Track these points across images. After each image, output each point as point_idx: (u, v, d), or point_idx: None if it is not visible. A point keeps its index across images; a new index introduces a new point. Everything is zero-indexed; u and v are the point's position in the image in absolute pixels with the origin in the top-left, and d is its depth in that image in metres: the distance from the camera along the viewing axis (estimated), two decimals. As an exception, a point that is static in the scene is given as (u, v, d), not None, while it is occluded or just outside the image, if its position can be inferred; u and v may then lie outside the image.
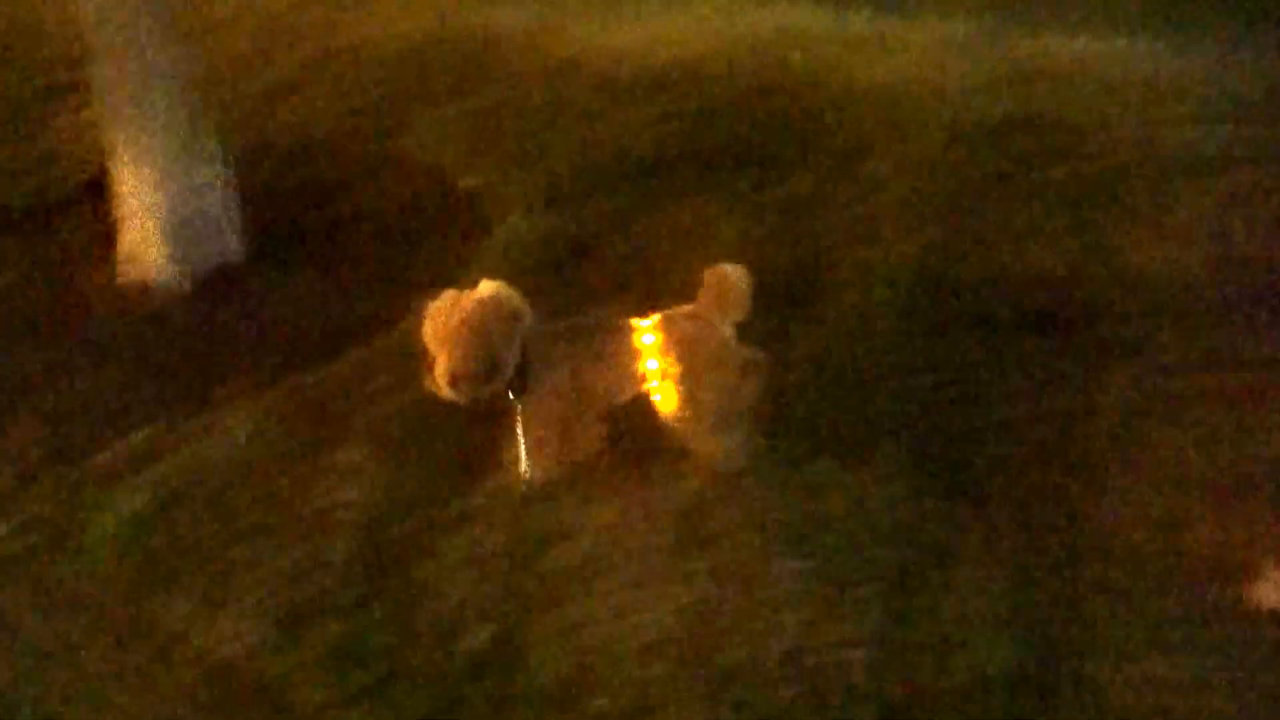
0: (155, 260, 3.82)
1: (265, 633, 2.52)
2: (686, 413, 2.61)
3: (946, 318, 3.53)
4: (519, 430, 2.61)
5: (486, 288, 2.53)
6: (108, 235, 3.95)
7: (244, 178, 4.07)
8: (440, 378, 2.49)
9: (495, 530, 2.76)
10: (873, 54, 5.61)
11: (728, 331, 2.62)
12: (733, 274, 2.61)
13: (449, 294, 2.55)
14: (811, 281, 3.71)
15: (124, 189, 3.81)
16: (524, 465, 2.65)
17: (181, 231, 3.82)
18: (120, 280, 3.89)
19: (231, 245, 3.97)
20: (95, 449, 3.10)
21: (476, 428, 2.94)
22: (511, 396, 2.59)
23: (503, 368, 2.50)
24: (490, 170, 4.60)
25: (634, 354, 2.58)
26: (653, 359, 2.57)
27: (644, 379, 2.62)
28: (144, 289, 3.83)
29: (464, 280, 3.67)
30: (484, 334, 2.44)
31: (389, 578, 2.66)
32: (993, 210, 4.14)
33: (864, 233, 4.00)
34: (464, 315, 2.45)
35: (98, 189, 4.04)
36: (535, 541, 2.72)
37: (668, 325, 2.58)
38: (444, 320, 2.48)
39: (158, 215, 3.78)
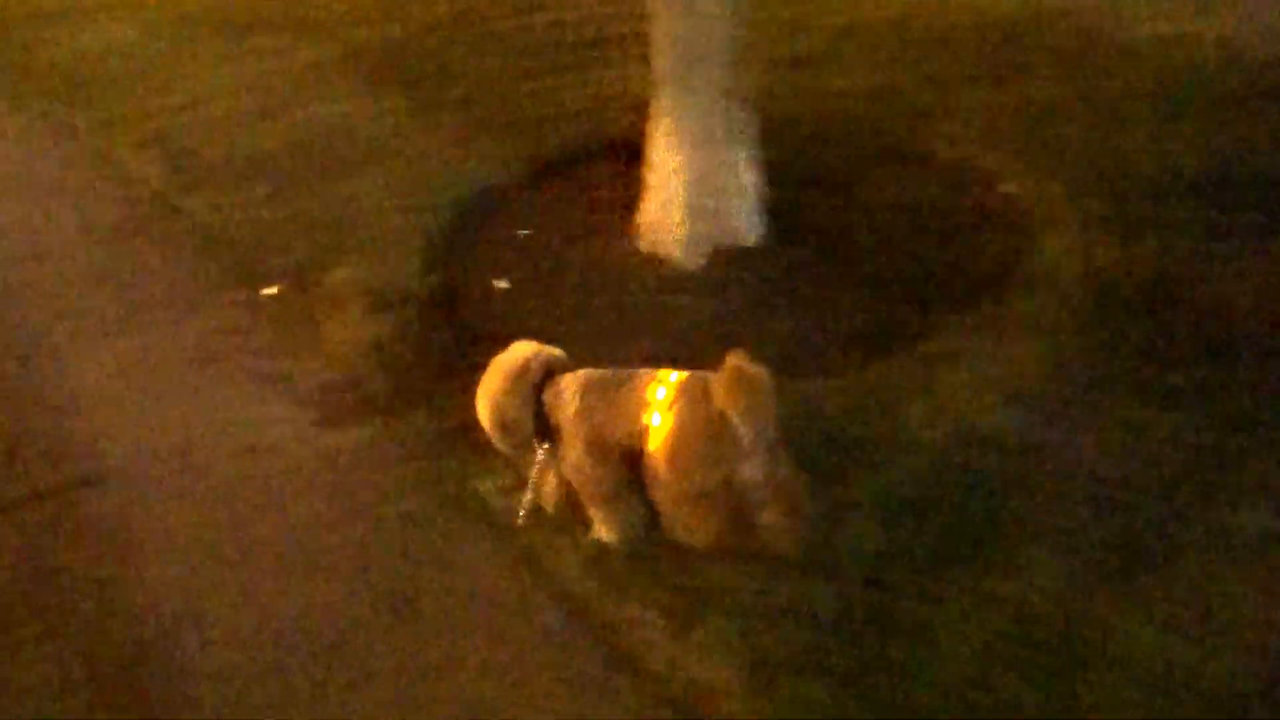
0: (674, 233, 3.72)
1: (737, 675, 2.23)
2: (659, 475, 2.40)
3: None
4: (532, 474, 2.59)
5: (512, 350, 2.60)
6: (632, 196, 3.92)
7: (762, 155, 3.83)
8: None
9: (1006, 609, 2.26)
10: None
11: (737, 422, 2.27)
12: (747, 373, 2.26)
13: None
14: None
15: (655, 155, 3.74)
16: (523, 508, 2.61)
17: (704, 208, 3.68)
18: (637, 246, 3.84)
19: (749, 227, 3.76)
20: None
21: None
22: (540, 445, 2.56)
23: (510, 424, 2.55)
24: (1036, 175, 4.01)
25: (641, 404, 2.40)
26: (656, 413, 2.37)
27: (645, 431, 2.40)
28: (659, 259, 3.75)
29: (1002, 302, 3.22)
30: (489, 394, 2.55)
31: (883, 649, 2.26)
32: None
33: None
34: (481, 378, 2.60)
35: (627, 147, 4.03)
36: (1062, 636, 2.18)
37: (682, 386, 2.38)
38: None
39: (684, 188, 3.66)
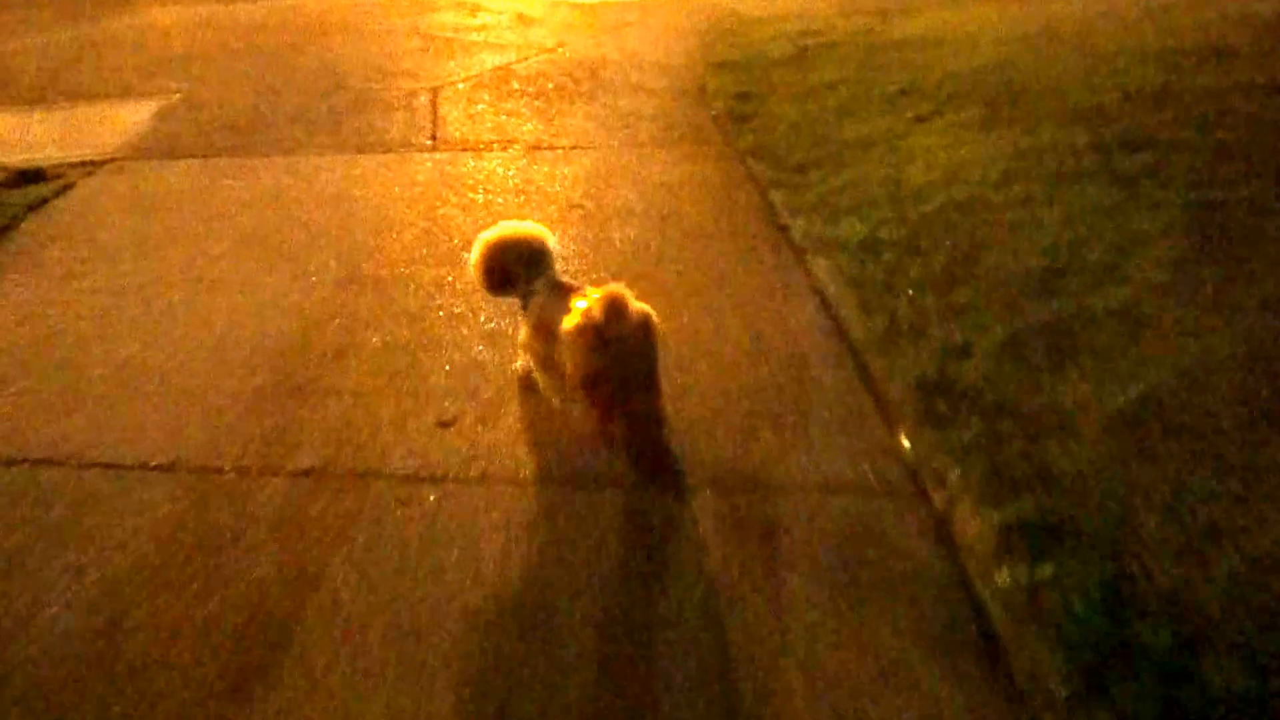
0: None
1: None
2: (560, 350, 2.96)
3: None
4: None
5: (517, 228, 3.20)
6: None
7: None
8: None
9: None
10: None
11: (601, 325, 2.75)
12: (616, 299, 2.74)
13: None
14: None
15: None
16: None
17: None
18: None
19: None
20: None
21: None
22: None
23: (482, 276, 3.20)
24: None
25: (569, 307, 2.88)
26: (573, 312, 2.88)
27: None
28: None
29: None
30: (485, 242, 3.20)
31: None
32: None
33: None
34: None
35: None
36: None
37: (593, 297, 2.82)
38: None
39: None
